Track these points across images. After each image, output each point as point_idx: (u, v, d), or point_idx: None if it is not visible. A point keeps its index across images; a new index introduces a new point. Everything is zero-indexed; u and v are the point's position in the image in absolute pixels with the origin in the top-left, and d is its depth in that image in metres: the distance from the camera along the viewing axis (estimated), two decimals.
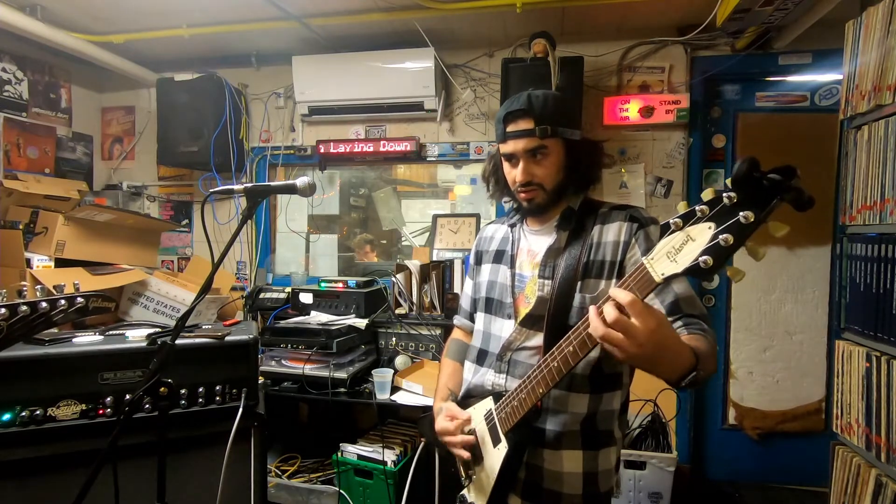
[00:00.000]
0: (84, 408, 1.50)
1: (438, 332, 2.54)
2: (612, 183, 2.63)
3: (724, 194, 0.65)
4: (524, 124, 1.08)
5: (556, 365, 0.92)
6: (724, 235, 0.65)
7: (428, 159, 2.85)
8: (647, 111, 2.50)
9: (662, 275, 0.72)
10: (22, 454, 1.43)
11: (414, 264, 2.62)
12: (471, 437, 1.10)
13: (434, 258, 2.79)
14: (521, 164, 1.10)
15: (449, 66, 2.73)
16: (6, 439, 1.41)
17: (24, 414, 1.43)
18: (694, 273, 0.68)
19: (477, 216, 2.87)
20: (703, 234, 0.67)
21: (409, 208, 3.57)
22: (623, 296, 0.75)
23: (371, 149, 2.82)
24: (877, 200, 1.51)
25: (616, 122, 2.55)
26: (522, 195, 1.13)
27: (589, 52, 2.57)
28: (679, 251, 0.70)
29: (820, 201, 2.76)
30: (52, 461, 1.46)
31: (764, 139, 2.62)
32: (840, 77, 1.87)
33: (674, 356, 0.81)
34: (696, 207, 0.68)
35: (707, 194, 0.68)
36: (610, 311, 0.76)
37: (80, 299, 1.00)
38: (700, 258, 0.67)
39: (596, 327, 0.78)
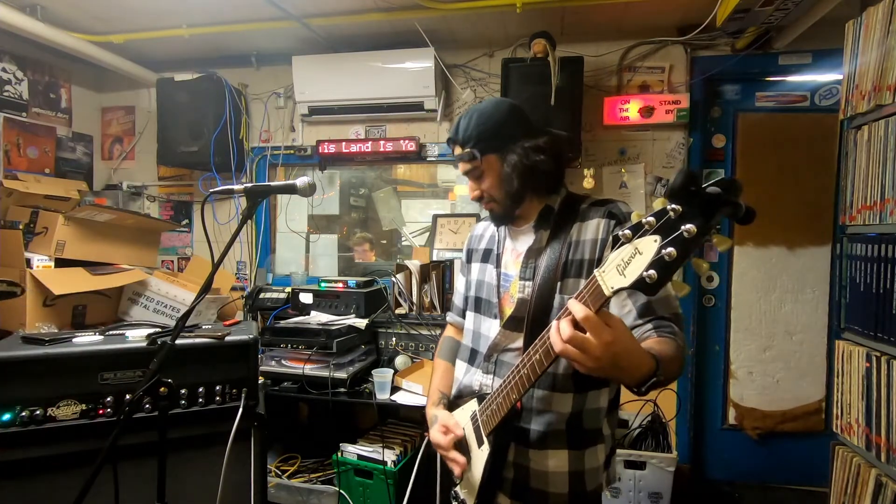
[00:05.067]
0: (84, 408, 1.50)
1: (438, 332, 2.54)
2: (613, 183, 2.64)
3: (670, 206, 0.64)
4: (457, 150, 1.16)
5: (525, 372, 0.93)
6: (668, 249, 0.63)
7: (428, 159, 2.85)
8: (647, 111, 2.50)
9: (612, 288, 0.72)
10: (22, 454, 1.43)
11: (414, 264, 2.62)
12: (463, 460, 1.10)
13: (434, 258, 2.79)
14: (469, 183, 1.19)
15: (449, 66, 2.73)
16: (6, 439, 1.41)
17: (24, 414, 1.43)
18: (640, 287, 0.67)
19: (477, 216, 2.87)
20: (649, 247, 0.66)
21: (409, 208, 3.57)
22: (578, 310, 0.76)
23: (371, 149, 2.82)
24: (877, 200, 1.51)
25: (616, 122, 2.54)
26: (484, 207, 1.20)
27: (589, 52, 2.57)
28: (628, 265, 0.69)
29: (820, 201, 2.76)
30: (52, 461, 1.46)
31: (764, 139, 2.62)
32: (840, 77, 1.87)
33: (633, 365, 0.80)
34: (644, 220, 0.67)
35: (656, 204, 0.66)
36: (565, 328, 0.77)
37: None
38: (645, 273, 0.66)
39: (554, 342, 0.79)
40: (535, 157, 1.10)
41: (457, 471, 1.11)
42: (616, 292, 0.72)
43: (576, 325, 0.76)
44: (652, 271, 0.65)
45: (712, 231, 0.63)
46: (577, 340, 0.75)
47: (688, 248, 0.63)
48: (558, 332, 0.78)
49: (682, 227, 0.62)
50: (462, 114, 1.17)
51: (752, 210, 0.62)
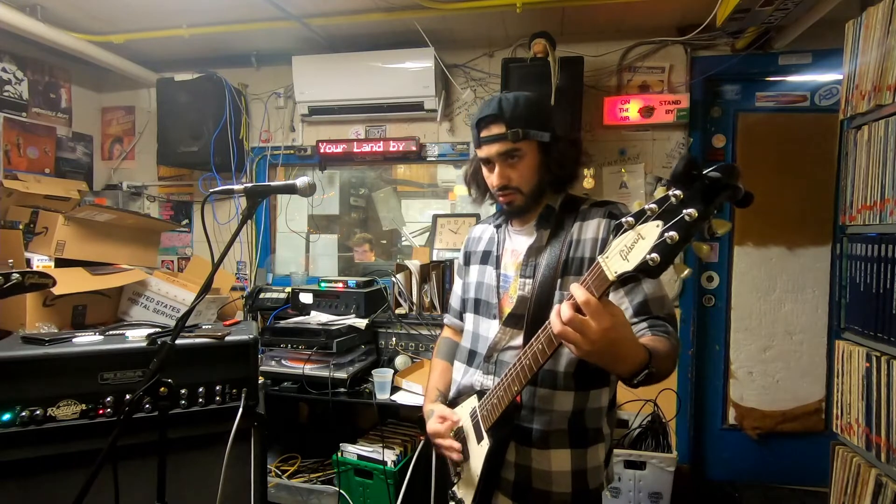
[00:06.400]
0: (84, 408, 1.49)
1: (438, 331, 2.53)
2: (613, 183, 2.63)
3: (671, 192, 0.67)
4: (496, 129, 1.10)
5: (527, 363, 0.93)
6: (670, 233, 0.66)
7: (428, 159, 2.85)
8: (647, 111, 2.49)
9: (616, 273, 0.74)
10: (22, 454, 1.43)
11: (414, 264, 2.62)
12: (459, 446, 1.12)
13: (434, 258, 2.79)
14: (496, 169, 1.12)
15: (449, 66, 2.73)
16: (6, 439, 1.41)
17: (24, 414, 1.43)
18: (644, 271, 0.69)
19: (477, 216, 2.86)
20: (651, 232, 0.69)
21: (409, 208, 3.57)
22: (580, 294, 0.77)
23: (371, 149, 2.82)
24: (877, 200, 1.51)
25: (616, 122, 2.54)
26: (501, 199, 1.16)
27: (589, 52, 2.57)
28: (631, 250, 0.71)
29: (820, 201, 2.76)
30: (52, 461, 1.46)
31: (764, 139, 2.62)
32: (840, 77, 1.87)
33: (628, 354, 0.82)
34: (646, 206, 0.70)
35: (658, 192, 0.70)
36: (565, 310, 0.78)
37: (15, 275, 1.01)
38: (648, 256, 0.68)
39: (554, 324, 0.80)
40: (570, 150, 1.14)
41: (454, 456, 1.11)
42: (619, 276, 0.73)
43: (577, 309, 0.77)
44: (655, 254, 0.67)
45: (712, 215, 0.65)
46: (577, 323, 0.76)
47: (689, 231, 0.65)
48: (559, 315, 0.79)
49: (684, 212, 0.64)
50: (497, 95, 1.13)
51: (750, 193, 0.65)
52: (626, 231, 0.72)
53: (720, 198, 0.64)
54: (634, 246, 0.71)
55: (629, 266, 0.71)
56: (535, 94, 1.17)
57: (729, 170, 0.64)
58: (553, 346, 0.87)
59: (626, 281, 0.74)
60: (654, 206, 0.69)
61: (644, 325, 0.99)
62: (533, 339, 0.92)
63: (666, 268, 0.68)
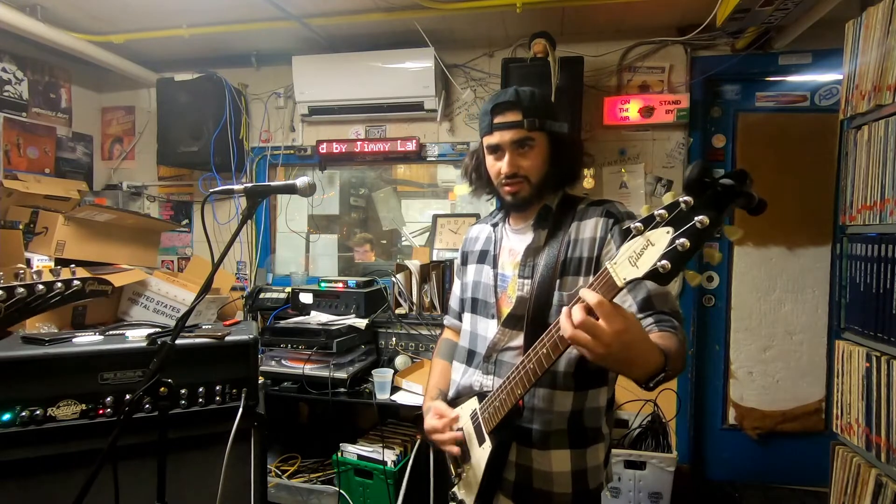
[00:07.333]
0: (84, 408, 1.49)
1: (438, 331, 2.54)
2: (613, 183, 2.63)
3: (681, 199, 0.66)
4: (512, 116, 1.09)
5: (531, 367, 0.93)
6: (681, 240, 0.65)
7: (428, 159, 2.85)
8: (647, 111, 2.50)
9: (624, 279, 0.73)
10: (22, 454, 1.43)
11: (414, 264, 2.62)
12: (459, 434, 1.12)
13: (434, 258, 2.79)
14: (507, 156, 1.11)
15: (449, 66, 2.73)
16: (6, 439, 1.41)
17: (24, 414, 1.43)
18: (653, 278, 0.68)
19: (477, 216, 2.86)
20: (661, 238, 0.68)
21: (409, 208, 3.57)
22: (591, 297, 0.75)
23: (371, 149, 2.82)
24: (877, 200, 1.51)
25: (616, 122, 2.54)
26: (507, 188, 1.14)
27: (589, 52, 2.57)
28: (640, 256, 0.70)
29: (820, 201, 2.75)
30: (52, 461, 1.46)
31: (764, 139, 2.62)
32: (840, 77, 1.87)
33: (642, 357, 0.80)
34: (656, 212, 0.69)
35: (667, 198, 0.68)
36: (577, 313, 0.76)
37: (76, 282, 1.00)
38: (658, 263, 0.67)
39: (565, 328, 0.78)
40: (576, 149, 1.16)
41: (454, 450, 1.10)
42: (629, 283, 0.72)
43: (589, 312, 0.76)
44: (665, 261, 0.66)
45: (723, 222, 0.64)
46: (589, 325, 0.75)
47: (700, 238, 0.64)
48: (569, 318, 0.77)
49: (696, 219, 0.64)
50: (511, 87, 1.14)
51: (763, 200, 0.64)
52: (634, 237, 0.71)
53: (733, 205, 0.63)
54: (644, 252, 0.70)
55: (639, 273, 0.70)
56: (546, 93, 1.19)
57: (740, 176, 0.63)
58: (559, 350, 0.86)
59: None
60: (663, 211, 0.68)
61: (650, 320, 0.98)
62: (537, 343, 0.91)
63: (676, 275, 0.67)
